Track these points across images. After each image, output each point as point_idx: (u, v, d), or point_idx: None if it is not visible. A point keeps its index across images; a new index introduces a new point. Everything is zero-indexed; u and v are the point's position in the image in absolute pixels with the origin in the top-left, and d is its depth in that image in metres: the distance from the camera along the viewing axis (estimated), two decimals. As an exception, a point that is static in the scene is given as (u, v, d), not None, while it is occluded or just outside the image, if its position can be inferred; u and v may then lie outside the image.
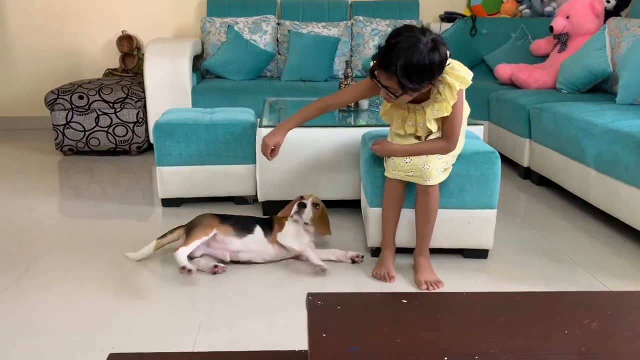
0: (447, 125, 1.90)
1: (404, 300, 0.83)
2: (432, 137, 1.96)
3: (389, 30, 4.19)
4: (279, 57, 4.28)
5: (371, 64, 1.85)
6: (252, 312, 1.77)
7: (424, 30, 1.75)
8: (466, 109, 2.02)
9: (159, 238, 2.14)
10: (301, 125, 2.16)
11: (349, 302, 0.82)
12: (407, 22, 4.27)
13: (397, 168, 1.94)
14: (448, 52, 1.77)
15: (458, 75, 1.83)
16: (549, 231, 2.47)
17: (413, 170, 1.91)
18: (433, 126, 1.91)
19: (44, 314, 1.74)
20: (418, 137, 1.99)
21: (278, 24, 4.28)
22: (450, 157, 1.97)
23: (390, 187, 2.00)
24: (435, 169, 1.90)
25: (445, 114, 1.86)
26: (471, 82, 1.86)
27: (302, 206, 2.15)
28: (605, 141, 2.39)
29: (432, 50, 1.71)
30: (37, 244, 2.30)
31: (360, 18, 4.30)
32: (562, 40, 3.66)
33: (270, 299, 1.86)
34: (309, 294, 0.81)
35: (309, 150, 2.51)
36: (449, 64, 1.82)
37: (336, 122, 2.68)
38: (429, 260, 2.02)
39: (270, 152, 2.11)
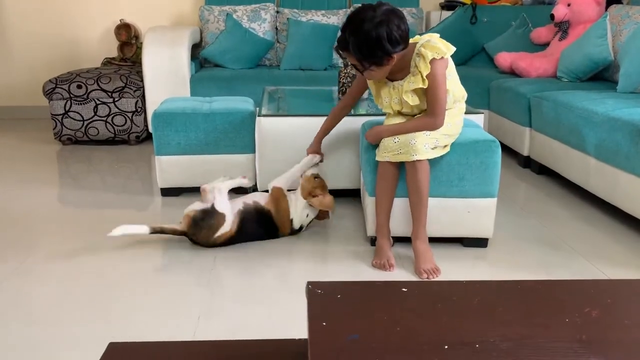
0: (429, 99, 1.91)
1: (403, 289, 0.82)
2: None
3: (389, 18, 4.17)
4: (278, 45, 4.25)
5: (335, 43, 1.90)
6: (252, 301, 1.77)
7: (380, 4, 1.82)
8: (460, 90, 2.02)
9: (159, 226, 2.13)
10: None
11: (348, 290, 0.82)
12: (407, 10, 4.24)
13: (387, 149, 1.95)
14: (404, 25, 1.81)
15: (433, 46, 1.85)
16: (549, 219, 2.47)
17: (401, 148, 1.92)
18: (410, 99, 1.93)
19: (43, 303, 1.75)
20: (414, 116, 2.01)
21: (277, 12, 4.25)
22: (440, 135, 1.95)
23: (383, 172, 2.01)
24: (423, 144, 1.90)
25: (421, 85, 1.88)
26: (448, 53, 1.86)
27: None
28: (605, 129, 2.38)
29: (379, 24, 1.77)
30: (36, 234, 2.30)
31: (360, 5, 4.27)
32: (563, 28, 3.64)
33: (269, 288, 1.86)
34: (308, 283, 0.81)
35: (309, 139, 2.50)
36: (427, 40, 1.88)
37: (336, 111, 2.67)
38: (427, 244, 2.01)
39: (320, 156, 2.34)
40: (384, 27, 1.77)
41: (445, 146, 2.00)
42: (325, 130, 2.32)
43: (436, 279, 1.92)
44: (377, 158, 2.00)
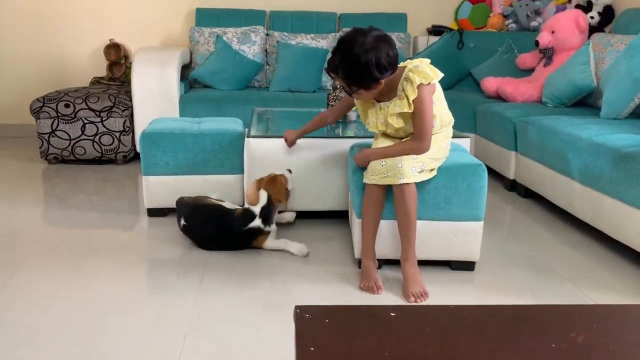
0: (416, 124, 1.93)
1: (392, 314, 0.82)
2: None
3: (377, 42, 4.22)
4: (267, 67, 4.29)
5: (326, 65, 1.96)
6: (239, 323, 1.75)
7: (370, 30, 1.85)
8: (447, 115, 2.05)
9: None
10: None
11: (337, 315, 0.81)
12: (395, 34, 4.31)
13: (374, 172, 1.97)
14: (393, 51, 1.84)
15: (420, 72, 1.88)
16: (535, 243, 2.49)
17: (388, 171, 1.93)
18: (395, 122, 1.96)
19: (26, 325, 1.71)
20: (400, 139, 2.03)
21: (267, 35, 4.29)
22: (427, 159, 1.97)
23: (369, 194, 2.02)
24: (409, 167, 1.92)
25: (407, 110, 1.90)
26: (435, 79, 1.90)
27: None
28: (589, 155, 2.42)
29: (369, 50, 1.79)
30: (20, 254, 2.26)
31: (349, 30, 4.32)
32: (548, 54, 3.72)
33: (256, 310, 1.84)
34: (296, 307, 0.81)
35: (298, 160, 2.51)
36: (415, 65, 1.90)
37: (325, 133, 2.69)
38: (416, 267, 2.01)
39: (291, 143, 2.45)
40: (373, 54, 1.79)
41: (432, 170, 2.01)
42: (304, 131, 2.40)
43: (424, 302, 1.92)
44: (365, 180, 2.02)
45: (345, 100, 2.26)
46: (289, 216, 2.49)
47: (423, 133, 1.92)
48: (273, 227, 2.33)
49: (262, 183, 2.35)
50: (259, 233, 2.29)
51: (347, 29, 4.32)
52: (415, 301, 1.92)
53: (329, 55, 1.91)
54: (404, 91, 1.91)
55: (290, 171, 2.45)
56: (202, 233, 2.33)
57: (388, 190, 2.01)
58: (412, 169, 1.92)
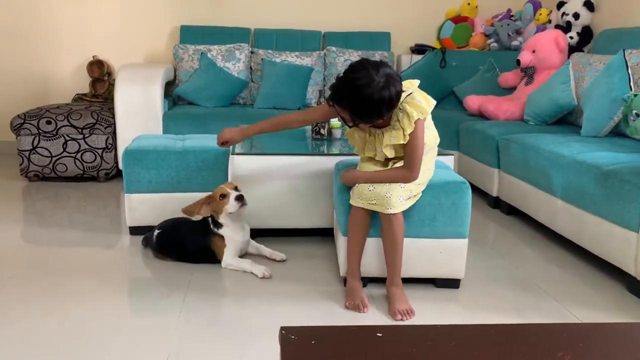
0: (407, 154, 1.94)
1: (378, 334, 0.81)
2: (397, 164, 1.99)
3: (361, 60, 4.26)
4: (252, 84, 4.29)
5: (328, 91, 1.91)
6: (222, 344, 1.72)
7: (380, 65, 1.81)
8: (435, 138, 2.05)
9: None
10: (271, 152, 2.33)
11: (323, 336, 0.80)
12: (379, 53, 4.35)
13: (362, 196, 1.96)
14: (399, 89, 1.83)
15: (418, 105, 1.88)
16: (519, 260, 2.50)
17: (376, 199, 1.93)
18: (389, 152, 1.96)
19: (4, 347, 1.66)
20: (388, 161, 2.03)
21: (252, 52, 4.30)
22: (414, 186, 1.98)
23: (355, 215, 2.01)
24: (398, 197, 1.92)
25: (402, 142, 1.91)
26: (430, 111, 1.91)
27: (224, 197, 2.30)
28: (571, 172, 2.45)
29: (383, 89, 1.77)
30: (-2, 274, 2.21)
31: (333, 48, 4.36)
32: (529, 73, 3.78)
33: (239, 330, 1.81)
34: (282, 328, 0.79)
35: (282, 178, 2.50)
36: (410, 94, 1.89)
37: (309, 151, 2.69)
38: (402, 290, 2.01)
39: (223, 143, 2.32)
40: (385, 92, 1.77)
41: (417, 194, 2.02)
42: (260, 130, 2.32)
43: (410, 321, 1.91)
44: (351, 202, 2.01)
45: (321, 110, 2.19)
46: (279, 256, 2.42)
47: (413, 164, 1.93)
48: (227, 233, 2.32)
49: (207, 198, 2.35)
50: (211, 232, 2.33)
51: (331, 47, 4.36)
52: (402, 319, 1.91)
53: (333, 83, 1.87)
54: (399, 122, 1.89)
55: (238, 198, 2.26)
56: (171, 238, 2.39)
57: (374, 212, 2.00)
58: (400, 199, 1.92)
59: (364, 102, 1.78)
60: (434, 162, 2.10)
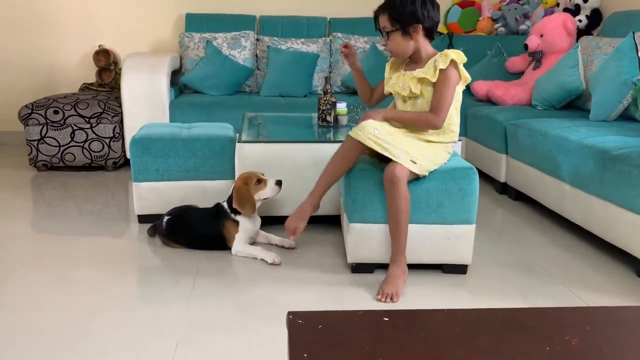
0: (435, 97, 2.01)
1: (385, 318, 0.82)
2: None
3: (367, 47, 4.24)
4: (258, 72, 4.28)
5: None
6: (230, 330, 1.74)
7: None
8: (453, 125, 2.09)
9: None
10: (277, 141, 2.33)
11: (329, 320, 0.81)
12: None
13: (378, 137, 1.96)
14: (437, 12, 2.04)
15: (458, 53, 1.99)
16: (526, 246, 2.49)
17: (392, 143, 1.95)
18: (413, 85, 2.03)
19: (14, 335, 1.69)
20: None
21: (257, 40, 4.29)
22: (421, 154, 1.98)
23: (347, 148, 2.03)
24: (408, 152, 1.95)
25: (431, 78, 1.98)
26: (463, 69, 2.01)
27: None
28: (579, 157, 2.43)
29: None
30: (8, 263, 2.23)
31: (339, 34, 4.34)
32: (537, 57, 3.74)
33: (248, 316, 1.83)
34: (289, 313, 0.80)
35: (289, 165, 2.50)
36: (455, 50, 2.02)
37: (316, 138, 2.68)
38: (402, 270, 2.00)
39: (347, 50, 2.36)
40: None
41: (424, 171, 2.01)
42: (361, 74, 2.37)
43: (417, 306, 1.91)
44: (354, 135, 1.98)
45: (381, 84, 2.30)
46: (288, 243, 2.44)
47: (439, 108, 1.99)
48: (242, 220, 2.33)
49: (237, 178, 2.38)
50: (226, 216, 2.33)
51: (337, 34, 4.33)
52: (384, 300, 1.93)
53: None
54: (434, 63, 1.99)
55: (279, 183, 2.33)
56: (181, 224, 2.40)
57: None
58: (412, 157, 1.96)
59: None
60: (445, 155, 2.10)
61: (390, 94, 2.22)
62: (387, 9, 2.03)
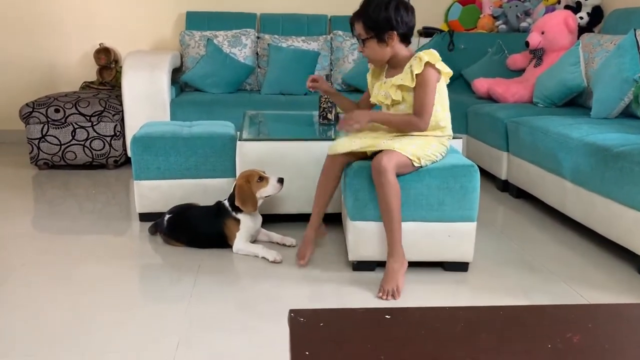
0: (416, 100, 2.02)
1: (387, 316, 0.82)
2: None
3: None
4: (258, 70, 4.28)
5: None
6: (231, 328, 1.74)
7: None
8: (442, 120, 2.07)
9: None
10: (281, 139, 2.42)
11: (331, 318, 0.81)
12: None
13: (361, 136, 2.05)
14: (411, 17, 2.04)
15: (431, 52, 2.00)
16: (527, 243, 2.49)
17: (372, 140, 2.03)
18: (394, 93, 2.05)
19: (15, 335, 1.69)
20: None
21: (258, 37, 4.28)
22: (411, 146, 1.98)
23: (331, 165, 2.14)
24: (391, 142, 1.98)
25: (409, 84, 1.99)
26: (440, 66, 2.00)
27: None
28: (580, 154, 2.43)
29: (390, 2, 1.99)
30: (9, 262, 2.24)
31: (340, 32, 4.33)
32: (538, 55, 3.73)
33: (249, 315, 1.83)
34: (291, 311, 0.80)
35: (290, 163, 2.50)
36: (429, 49, 2.02)
37: (317, 136, 2.68)
38: (400, 264, 1.99)
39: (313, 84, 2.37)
40: (393, 4, 1.98)
41: (411, 156, 1.99)
42: (338, 99, 2.42)
43: (418, 303, 1.92)
44: (332, 152, 2.12)
45: (366, 96, 2.33)
46: (289, 241, 2.44)
47: (422, 110, 2.00)
48: (244, 218, 2.33)
49: (238, 176, 2.39)
50: (227, 215, 2.34)
51: (337, 32, 4.33)
52: (385, 298, 1.93)
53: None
54: (410, 68, 2.00)
55: (281, 181, 2.34)
56: (183, 222, 2.40)
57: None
58: (396, 145, 1.98)
59: (376, 5, 1.98)
60: (440, 148, 2.09)
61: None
62: (361, 17, 2.04)
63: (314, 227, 2.21)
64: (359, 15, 2.05)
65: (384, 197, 1.96)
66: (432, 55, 1.98)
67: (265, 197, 2.36)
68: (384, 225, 2.02)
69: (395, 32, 2.00)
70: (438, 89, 2.03)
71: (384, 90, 2.10)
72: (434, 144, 2.06)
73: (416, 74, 1.97)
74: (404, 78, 2.01)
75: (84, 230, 2.60)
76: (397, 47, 2.04)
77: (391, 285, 1.95)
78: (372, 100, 2.21)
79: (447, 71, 2.03)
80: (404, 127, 2.06)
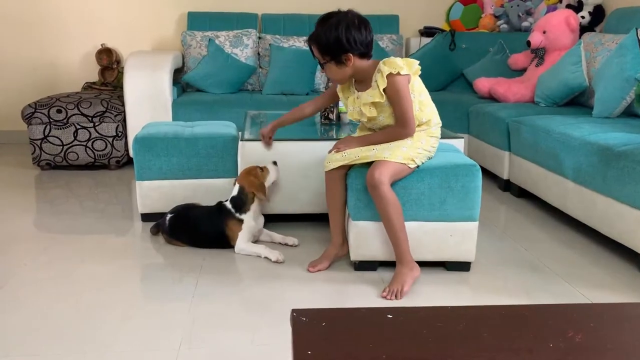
0: (395, 112, 2.00)
1: (389, 315, 0.82)
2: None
3: (370, 44, 4.23)
4: (260, 70, 4.28)
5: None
6: (234, 328, 1.74)
7: (350, 11, 1.98)
8: (426, 115, 2.05)
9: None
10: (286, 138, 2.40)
11: (333, 318, 0.81)
12: (387, 36, 4.32)
13: (346, 155, 2.04)
14: (368, 34, 1.97)
15: (391, 62, 1.95)
16: (529, 242, 2.49)
17: (360, 152, 2.03)
18: (368, 111, 2.03)
19: (18, 334, 1.70)
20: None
21: (259, 38, 4.29)
22: (401, 150, 1.98)
23: (331, 182, 2.14)
24: (380, 151, 1.98)
25: (379, 99, 1.97)
26: (410, 71, 1.96)
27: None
28: (582, 153, 2.43)
29: (341, 22, 1.93)
30: (12, 261, 2.24)
31: (341, 32, 4.33)
32: (539, 54, 3.73)
33: (252, 314, 1.83)
34: (293, 310, 0.80)
35: (292, 163, 2.51)
36: (389, 58, 1.98)
37: (318, 136, 2.69)
38: (409, 269, 2.00)
39: (267, 140, 2.45)
40: (345, 24, 1.92)
41: (402, 160, 1.99)
42: (280, 123, 2.41)
43: (420, 303, 1.92)
44: (327, 167, 2.11)
45: (328, 92, 2.31)
46: (291, 241, 2.45)
47: (404, 118, 1.98)
48: (247, 218, 2.34)
49: (239, 176, 2.42)
50: (229, 215, 2.34)
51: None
52: (389, 297, 1.94)
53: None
54: (376, 82, 1.97)
55: (275, 163, 2.44)
56: (185, 222, 2.41)
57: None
58: (385, 154, 1.99)
59: (326, 30, 1.93)
60: (431, 141, 2.08)
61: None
62: (315, 42, 2.00)
63: (335, 245, 2.19)
64: (312, 39, 2.01)
65: (381, 211, 1.98)
66: (391, 65, 1.93)
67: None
68: (388, 237, 2.03)
69: (350, 54, 1.96)
70: (412, 90, 1.98)
71: (358, 107, 2.07)
72: (423, 139, 2.06)
73: (383, 89, 1.94)
74: (373, 94, 1.98)
75: (86, 230, 2.60)
76: (357, 63, 1.99)
77: (397, 286, 1.96)
78: (349, 117, 2.19)
79: (414, 68, 1.97)
80: (393, 140, 2.02)
